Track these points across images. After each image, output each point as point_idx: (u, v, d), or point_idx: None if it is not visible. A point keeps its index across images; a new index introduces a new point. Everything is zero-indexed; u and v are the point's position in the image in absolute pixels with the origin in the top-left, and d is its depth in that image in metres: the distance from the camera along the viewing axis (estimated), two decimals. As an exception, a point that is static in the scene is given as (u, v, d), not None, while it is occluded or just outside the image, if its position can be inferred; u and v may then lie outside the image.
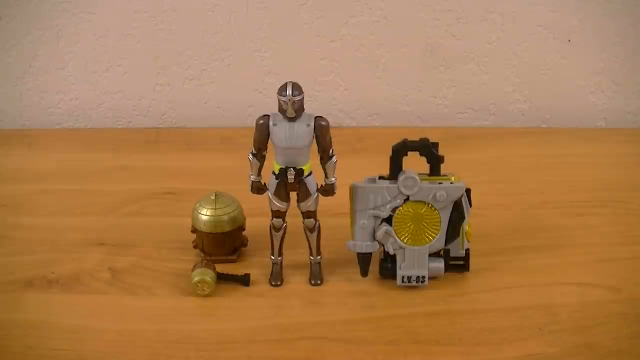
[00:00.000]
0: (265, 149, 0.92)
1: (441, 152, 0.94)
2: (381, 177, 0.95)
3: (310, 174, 0.93)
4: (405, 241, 0.94)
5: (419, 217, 0.93)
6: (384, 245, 0.94)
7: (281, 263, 0.97)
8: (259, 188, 0.94)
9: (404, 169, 0.93)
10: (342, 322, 0.90)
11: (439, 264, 0.95)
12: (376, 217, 0.93)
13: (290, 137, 0.90)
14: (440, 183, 0.93)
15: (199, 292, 0.94)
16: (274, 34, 1.39)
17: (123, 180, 1.23)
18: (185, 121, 1.45)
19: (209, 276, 0.94)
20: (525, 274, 0.98)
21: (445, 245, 0.95)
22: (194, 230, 1.01)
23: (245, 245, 1.03)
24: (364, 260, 0.95)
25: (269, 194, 0.94)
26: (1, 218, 1.12)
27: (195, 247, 1.02)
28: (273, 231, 0.96)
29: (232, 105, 1.44)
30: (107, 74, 1.42)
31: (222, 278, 0.96)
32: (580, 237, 1.06)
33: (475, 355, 0.85)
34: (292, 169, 0.92)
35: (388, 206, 0.93)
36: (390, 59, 1.41)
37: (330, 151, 0.92)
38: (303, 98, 0.89)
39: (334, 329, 0.89)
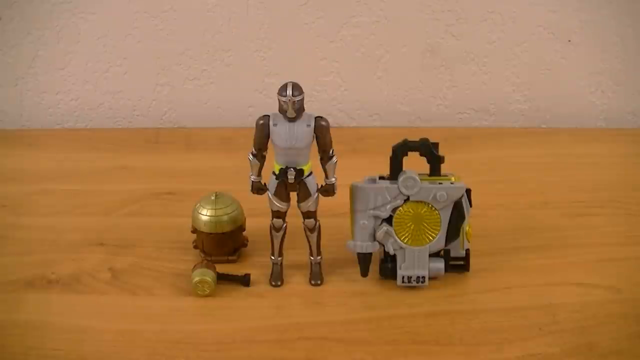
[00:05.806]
0: (265, 149, 0.92)
1: (441, 152, 0.94)
2: (381, 177, 0.95)
3: (310, 174, 0.93)
4: (405, 241, 0.94)
5: (419, 217, 0.93)
6: (384, 245, 0.94)
7: (281, 263, 0.97)
8: (259, 188, 0.94)
9: (404, 169, 0.93)
10: (342, 322, 0.90)
11: (439, 264, 0.95)
12: (376, 217, 0.93)
13: (290, 137, 0.90)
14: (440, 183, 0.93)
15: (199, 292, 0.94)
16: (274, 34, 1.39)
17: (123, 180, 1.23)
18: (185, 121, 1.45)
19: (209, 276, 0.94)
20: (525, 274, 0.98)
21: (445, 245, 0.95)
22: (194, 230, 1.01)
23: (245, 245, 1.03)
24: (364, 260, 0.95)
25: (269, 194, 0.94)
26: (1, 218, 1.12)
27: (195, 247, 1.02)
28: (273, 231, 0.96)
29: (232, 105, 1.44)
30: (107, 74, 1.42)
31: (222, 278, 0.96)
32: (580, 237, 1.06)
33: (475, 355, 0.85)
34: (292, 169, 0.91)
35: (388, 206, 0.93)
36: (390, 59, 1.41)
37: (330, 151, 0.92)
38: (303, 98, 0.89)
39: (334, 329, 0.89)
